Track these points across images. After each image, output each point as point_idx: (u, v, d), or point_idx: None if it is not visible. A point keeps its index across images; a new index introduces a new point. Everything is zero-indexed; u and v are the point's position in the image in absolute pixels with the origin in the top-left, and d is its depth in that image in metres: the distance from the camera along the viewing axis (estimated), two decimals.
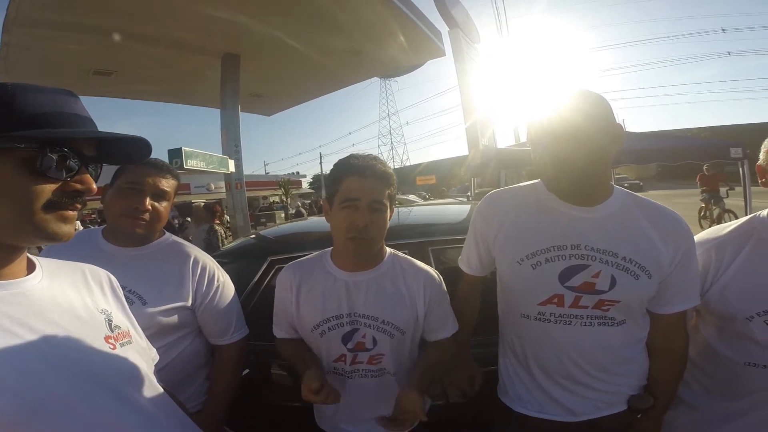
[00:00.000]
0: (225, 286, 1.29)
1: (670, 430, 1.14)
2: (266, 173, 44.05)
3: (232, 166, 9.41)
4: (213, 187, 24.79)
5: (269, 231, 2.40)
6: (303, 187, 42.35)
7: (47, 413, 0.53)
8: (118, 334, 0.70)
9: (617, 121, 0.98)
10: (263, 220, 17.64)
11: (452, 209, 2.55)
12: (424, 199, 16.09)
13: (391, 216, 1.11)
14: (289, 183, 29.44)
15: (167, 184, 1.21)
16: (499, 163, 7.08)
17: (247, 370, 1.35)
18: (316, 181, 48.27)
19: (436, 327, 1.17)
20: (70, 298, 0.67)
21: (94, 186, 0.62)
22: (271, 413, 1.48)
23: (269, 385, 1.56)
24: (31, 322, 0.58)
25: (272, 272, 1.61)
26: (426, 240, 1.62)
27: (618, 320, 1.01)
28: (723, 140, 8.24)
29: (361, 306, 1.10)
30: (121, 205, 1.14)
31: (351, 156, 1.10)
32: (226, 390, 1.23)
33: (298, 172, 48.73)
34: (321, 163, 45.37)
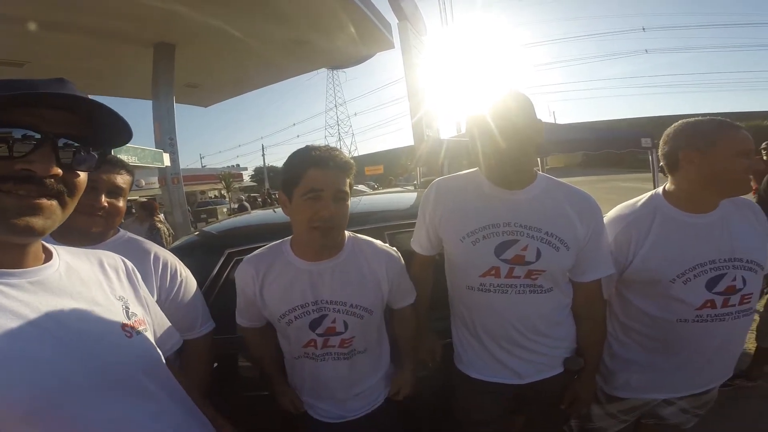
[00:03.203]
0: (188, 280, 1.28)
1: (626, 389, 1.32)
2: (203, 166, 41.68)
3: (167, 160, 8.88)
4: (143, 183, 23.05)
5: (219, 225, 2.36)
6: (244, 180, 40.66)
7: (60, 403, 0.52)
8: (135, 321, 0.69)
9: (538, 118, 1.14)
10: (204, 216, 16.75)
11: (402, 197, 2.70)
12: (373, 188, 16.15)
13: None
14: (231, 176, 28.15)
15: (122, 180, 1.19)
16: (445, 153, 7.39)
17: (215, 364, 1.36)
18: (259, 173, 46.46)
19: (399, 298, 1.28)
20: (88, 286, 0.66)
21: (54, 167, 0.54)
22: (245, 403, 1.49)
23: (239, 377, 1.58)
24: (48, 310, 0.57)
25: (231, 265, 1.61)
26: (382, 225, 1.73)
27: (546, 288, 1.17)
28: (636, 131, 9.21)
29: (328, 293, 1.14)
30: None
31: (309, 147, 1.09)
32: (199, 384, 1.21)
33: (238, 165, 46.53)
34: (264, 155, 43.55)
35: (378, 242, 1.26)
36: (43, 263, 0.62)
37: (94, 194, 1.12)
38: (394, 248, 1.28)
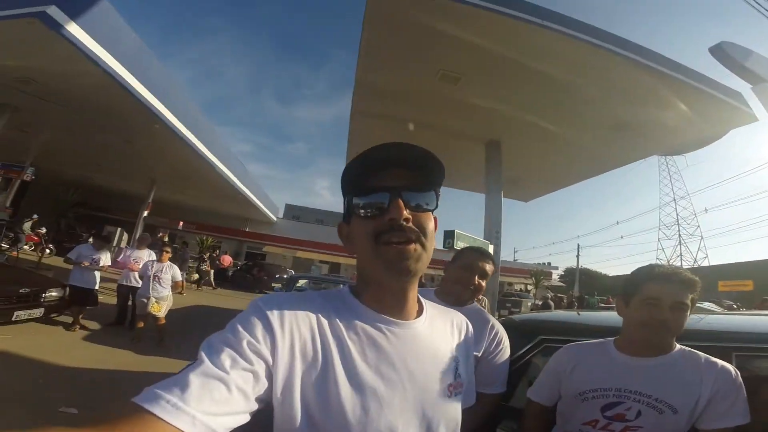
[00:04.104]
0: (506, 348, 1.57)
1: None
2: (515, 260, 43.22)
3: (491, 251, 9.97)
4: None
5: (525, 316, 2.55)
6: (553, 278, 39.00)
7: None
8: (458, 382, 0.73)
9: None
10: (508, 305, 17.34)
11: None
12: (731, 308, 11.58)
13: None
14: (541, 274, 28.16)
15: (489, 268, 1.66)
16: None
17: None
18: (569, 274, 43.39)
19: (719, 416, 1.07)
20: (438, 343, 0.73)
21: (402, 211, 0.64)
22: None
23: None
24: (408, 359, 0.66)
25: (539, 348, 1.77)
26: (728, 345, 1.40)
27: None
28: None
29: (635, 384, 1.13)
30: (456, 277, 1.64)
31: (653, 265, 1.21)
32: None
33: (549, 263, 44.98)
34: (578, 255, 39.39)
35: (716, 359, 1.14)
36: (416, 316, 0.72)
37: (471, 274, 1.61)
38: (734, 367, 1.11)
